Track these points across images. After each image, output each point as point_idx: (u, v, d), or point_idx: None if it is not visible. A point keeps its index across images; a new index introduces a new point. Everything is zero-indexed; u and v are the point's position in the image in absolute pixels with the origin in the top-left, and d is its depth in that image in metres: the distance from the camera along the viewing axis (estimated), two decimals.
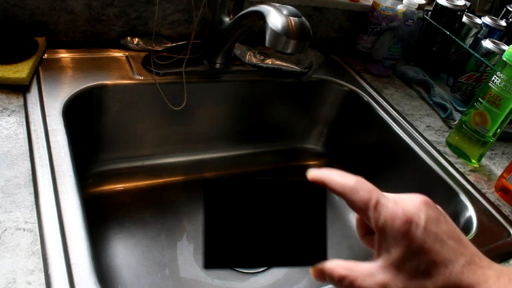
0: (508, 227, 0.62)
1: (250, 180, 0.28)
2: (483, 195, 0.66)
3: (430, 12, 0.93)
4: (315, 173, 0.30)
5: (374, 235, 0.30)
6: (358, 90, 0.84)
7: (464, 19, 0.92)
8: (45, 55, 0.66)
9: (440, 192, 0.68)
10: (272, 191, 0.29)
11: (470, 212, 0.63)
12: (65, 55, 0.68)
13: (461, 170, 0.70)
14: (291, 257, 0.29)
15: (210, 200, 0.27)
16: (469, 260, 0.27)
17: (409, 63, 0.98)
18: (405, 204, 0.28)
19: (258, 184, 0.28)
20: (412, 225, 0.27)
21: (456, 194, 0.66)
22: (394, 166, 0.79)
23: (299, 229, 0.29)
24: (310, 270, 0.30)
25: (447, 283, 0.26)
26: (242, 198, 0.28)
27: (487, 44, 0.85)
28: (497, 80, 0.65)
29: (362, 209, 0.28)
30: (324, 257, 0.29)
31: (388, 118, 0.79)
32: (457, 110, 0.85)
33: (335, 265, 0.29)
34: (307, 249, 0.29)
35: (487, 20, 0.95)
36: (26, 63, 0.59)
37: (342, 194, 0.29)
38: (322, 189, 0.30)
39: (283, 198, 0.29)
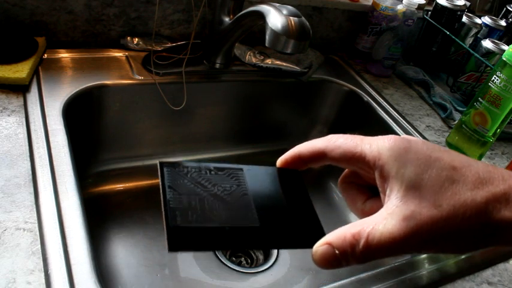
0: None
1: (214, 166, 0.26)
2: None
3: (430, 12, 0.93)
4: (284, 156, 0.28)
5: (371, 198, 0.27)
6: (358, 90, 0.84)
7: (464, 19, 0.92)
8: (45, 55, 0.66)
9: None
10: (241, 175, 0.26)
11: None
12: (65, 55, 0.68)
13: None
14: (282, 239, 0.25)
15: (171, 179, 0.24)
16: (483, 163, 0.23)
17: (409, 63, 0.98)
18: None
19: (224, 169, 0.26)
20: (411, 141, 0.24)
21: None
22: None
23: (282, 211, 0.26)
24: (313, 253, 0.23)
25: (479, 180, 0.22)
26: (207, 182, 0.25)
27: (487, 44, 0.85)
28: (497, 79, 0.65)
29: (350, 150, 0.25)
30: (321, 234, 0.24)
31: (388, 118, 0.79)
32: (456, 110, 0.85)
33: (341, 232, 0.23)
34: (300, 230, 0.25)
35: (487, 20, 0.95)
36: (26, 63, 0.59)
37: (322, 153, 0.26)
38: (295, 172, 0.28)
39: (256, 182, 0.26)
